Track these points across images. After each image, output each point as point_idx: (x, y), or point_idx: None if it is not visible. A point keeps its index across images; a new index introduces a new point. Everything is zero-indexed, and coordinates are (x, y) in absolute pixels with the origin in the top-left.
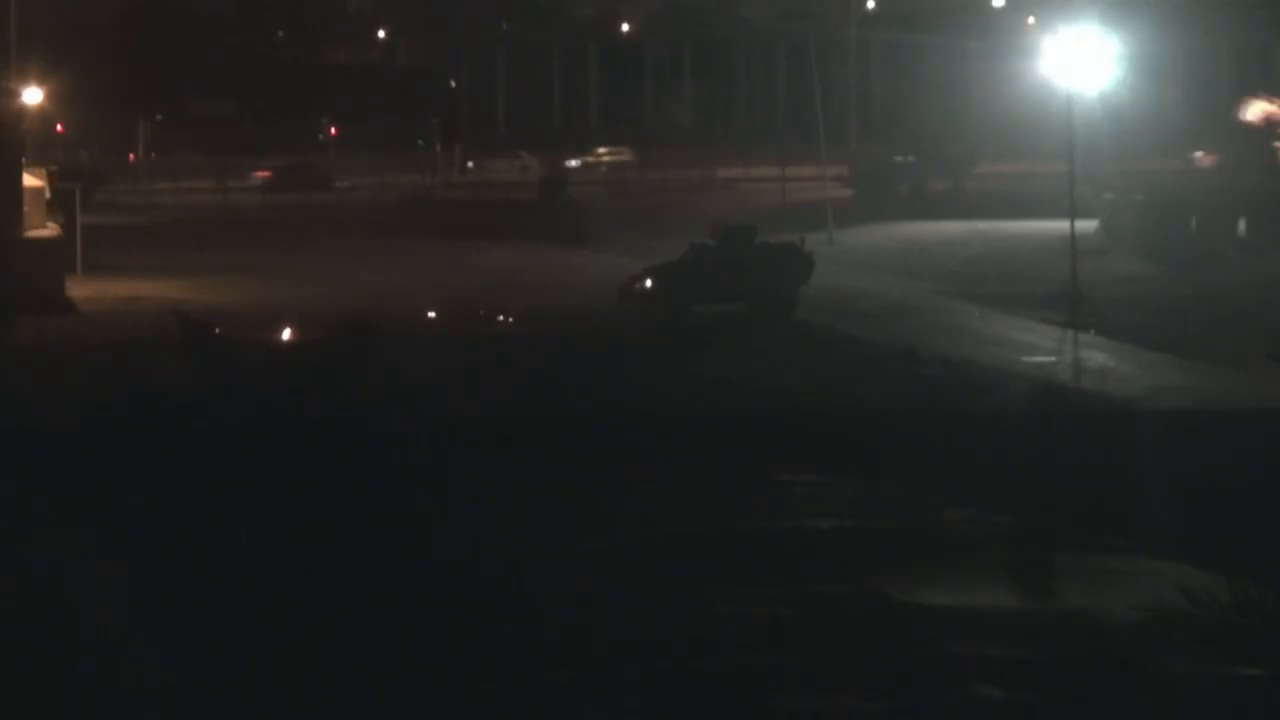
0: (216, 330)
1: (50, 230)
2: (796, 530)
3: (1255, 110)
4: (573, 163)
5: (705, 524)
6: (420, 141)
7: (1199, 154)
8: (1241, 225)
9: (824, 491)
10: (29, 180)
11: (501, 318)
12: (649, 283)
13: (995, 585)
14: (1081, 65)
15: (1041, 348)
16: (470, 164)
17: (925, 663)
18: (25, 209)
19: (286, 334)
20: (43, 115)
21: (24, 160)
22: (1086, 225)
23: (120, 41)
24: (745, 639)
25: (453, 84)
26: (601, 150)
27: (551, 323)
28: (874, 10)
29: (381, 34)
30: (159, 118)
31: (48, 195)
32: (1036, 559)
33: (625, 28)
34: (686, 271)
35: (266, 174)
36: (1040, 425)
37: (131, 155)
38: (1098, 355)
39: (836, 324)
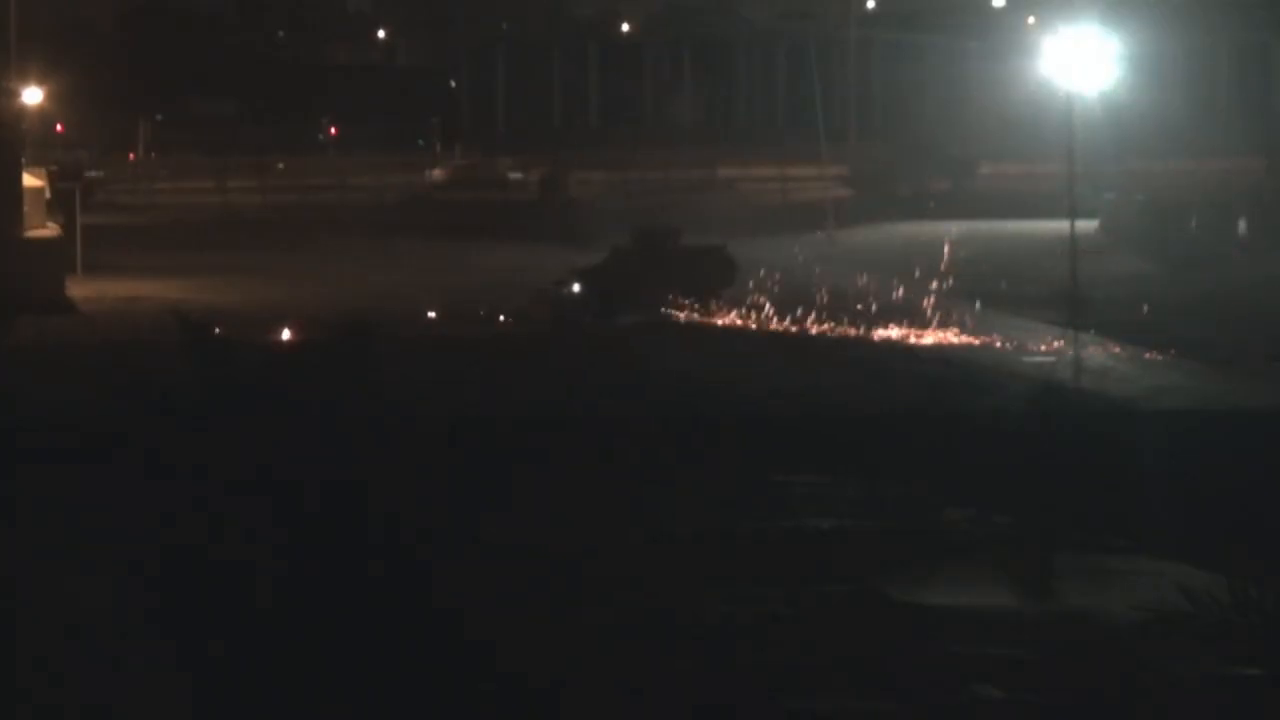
0: (216, 330)
1: (50, 230)
2: (796, 530)
3: None
4: None
5: (705, 524)
6: (420, 141)
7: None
8: (1241, 225)
9: (824, 491)
10: (29, 180)
11: (501, 318)
12: (576, 287)
13: (995, 585)
14: (1081, 65)
15: (1041, 347)
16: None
17: (925, 663)
18: (25, 209)
19: (286, 334)
20: (43, 115)
21: (24, 160)
22: (1087, 225)
23: (120, 41)
24: (745, 639)
25: (453, 84)
26: None
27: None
28: (874, 10)
29: (381, 34)
30: (159, 118)
31: (48, 195)
32: (1036, 559)
33: (625, 28)
34: (611, 274)
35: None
36: (1040, 425)
37: (132, 155)
38: (1098, 355)
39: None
